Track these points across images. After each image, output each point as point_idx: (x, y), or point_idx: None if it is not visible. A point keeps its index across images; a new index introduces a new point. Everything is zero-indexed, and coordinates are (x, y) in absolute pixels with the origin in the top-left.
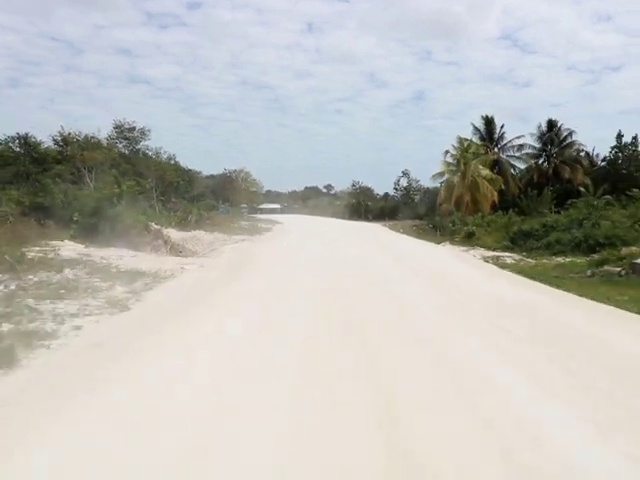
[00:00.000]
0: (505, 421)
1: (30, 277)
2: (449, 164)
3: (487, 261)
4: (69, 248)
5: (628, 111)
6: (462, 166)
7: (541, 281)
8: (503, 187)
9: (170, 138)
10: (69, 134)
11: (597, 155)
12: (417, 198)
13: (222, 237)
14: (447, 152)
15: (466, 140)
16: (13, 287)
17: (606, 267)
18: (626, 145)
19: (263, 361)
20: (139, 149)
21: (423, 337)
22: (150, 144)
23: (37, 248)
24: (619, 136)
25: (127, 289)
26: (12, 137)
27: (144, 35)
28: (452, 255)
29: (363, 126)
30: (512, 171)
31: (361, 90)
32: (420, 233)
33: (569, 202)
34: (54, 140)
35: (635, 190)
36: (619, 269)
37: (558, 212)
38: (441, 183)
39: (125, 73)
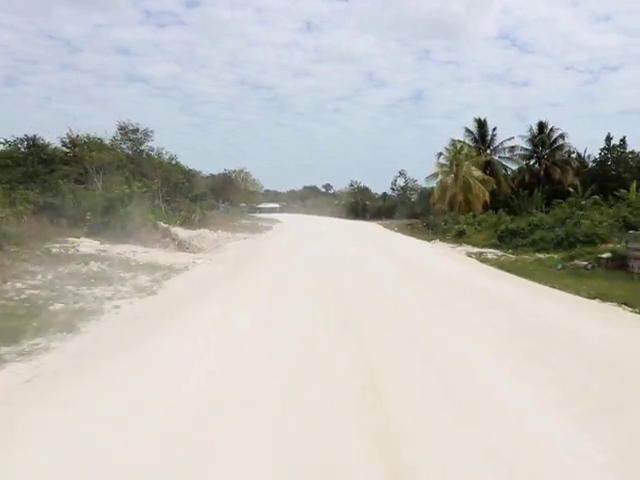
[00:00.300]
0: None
1: (61, 269)
2: (442, 165)
3: (470, 256)
4: (86, 244)
5: (628, 111)
6: (455, 167)
7: (514, 273)
8: (495, 187)
9: (168, 137)
10: (77, 136)
11: (589, 156)
12: (414, 197)
13: (225, 235)
14: (440, 154)
15: (459, 142)
16: (50, 277)
17: (576, 261)
18: (614, 147)
19: (271, 324)
20: (143, 150)
21: (397, 303)
22: (152, 145)
23: (57, 244)
24: (608, 138)
25: (149, 278)
26: (20, 138)
27: (143, 34)
28: (438, 251)
29: (361, 125)
30: (504, 172)
31: (359, 89)
32: (414, 231)
33: (554, 202)
34: (62, 142)
35: (622, 190)
36: (586, 263)
37: (547, 212)
38: (437, 183)
39: (123, 72)
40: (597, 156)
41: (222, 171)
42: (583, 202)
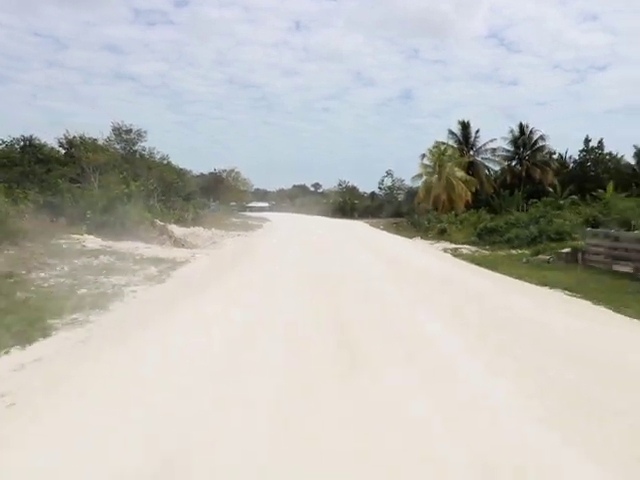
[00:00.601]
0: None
1: (75, 261)
2: (426, 166)
3: (446, 252)
4: (90, 241)
5: (614, 110)
6: (438, 168)
7: (482, 265)
8: (478, 187)
9: (156, 136)
10: (74, 137)
11: (570, 157)
12: (400, 197)
13: (219, 233)
14: (424, 155)
15: (443, 144)
16: (67, 269)
17: (540, 256)
18: (593, 149)
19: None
20: (136, 150)
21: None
22: (144, 145)
23: (63, 240)
24: (587, 140)
25: (157, 269)
26: (17, 139)
27: (131, 32)
28: (417, 247)
29: (349, 123)
30: (487, 172)
31: (348, 88)
32: (399, 230)
33: (530, 202)
34: (60, 143)
35: (600, 191)
36: (548, 257)
37: (527, 211)
38: (422, 183)
39: (111, 70)
40: (577, 157)
41: (210, 169)
42: (561, 201)
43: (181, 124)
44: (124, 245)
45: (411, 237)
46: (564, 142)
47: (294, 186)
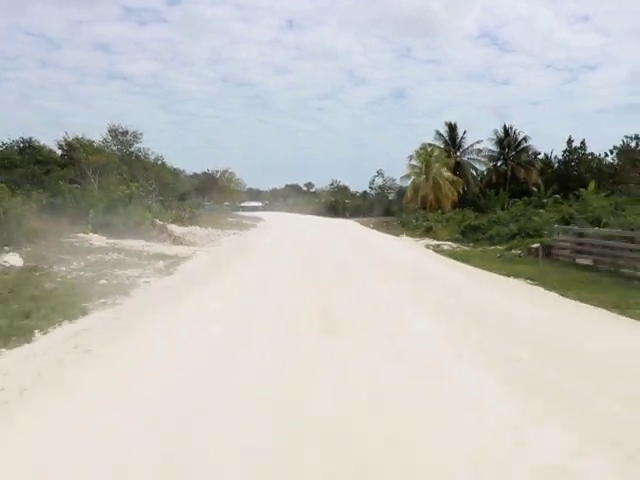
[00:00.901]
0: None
1: (89, 257)
2: (414, 167)
3: (428, 248)
4: (96, 239)
5: (605, 110)
6: (425, 169)
7: (458, 260)
8: (465, 187)
9: (149, 136)
10: (73, 140)
11: (555, 157)
12: (391, 196)
13: (215, 232)
14: (411, 157)
15: (430, 145)
16: (83, 264)
17: (512, 251)
18: (576, 149)
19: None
20: (132, 152)
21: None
22: (139, 146)
23: (71, 239)
24: (569, 141)
25: (164, 264)
26: (16, 141)
27: (123, 31)
28: (404, 244)
29: (344, 123)
30: (473, 172)
31: (342, 87)
32: (388, 228)
33: (512, 201)
34: (59, 145)
35: (582, 190)
36: (519, 252)
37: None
38: (410, 183)
39: (104, 70)
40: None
41: (204, 169)
42: (545, 200)
43: (175, 124)
44: (128, 243)
45: (398, 235)
46: (555, 141)
47: (287, 186)
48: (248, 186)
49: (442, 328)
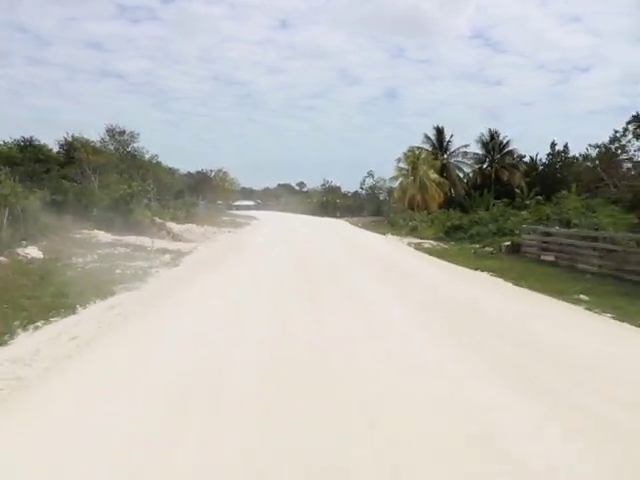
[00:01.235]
0: None
1: (99, 251)
2: (401, 169)
3: (409, 245)
4: (101, 235)
5: (596, 111)
6: (412, 171)
7: (434, 255)
8: (451, 189)
9: (143, 135)
10: (73, 140)
11: (540, 159)
12: (382, 196)
13: (212, 229)
14: (399, 159)
15: (418, 148)
16: (95, 256)
17: (486, 248)
18: (559, 152)
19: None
20: (129, 151)
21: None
22: (136, 146)
23: (79, 235)
24: (553, 144)
25: (169, 257)
26: (17, 140)
27: (116, 28)
28: (390, 242)
29: (335, 122)
30: (460, 174)
31: (333, 86)
32: (376, 227)
33: (493, 203)
34: (60, 145)
35: (563, 192)
36: (491, 249)
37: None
38: (398, 185)
39: (96, 67)
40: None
41: (197, 168)
42: (527, 202)
43: (167, 122)
44: (131, 239)
45: (384, 233)
46: (546, 143)
47: (279, 185)
48: (241, 185)
49: (400, 298)
